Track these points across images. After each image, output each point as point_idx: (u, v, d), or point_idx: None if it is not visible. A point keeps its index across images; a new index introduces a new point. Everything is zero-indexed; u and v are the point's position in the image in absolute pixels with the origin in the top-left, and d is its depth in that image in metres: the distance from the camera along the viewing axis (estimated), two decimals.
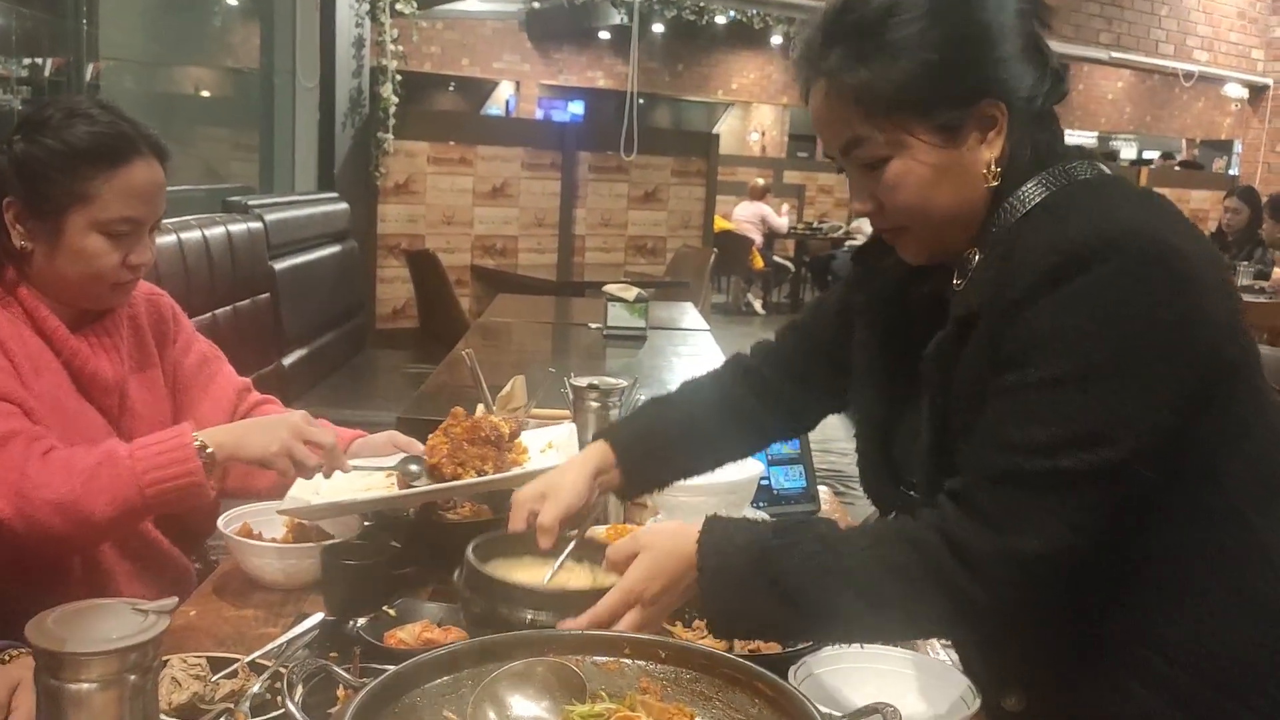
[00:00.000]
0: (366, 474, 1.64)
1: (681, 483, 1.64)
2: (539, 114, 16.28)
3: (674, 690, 1.00)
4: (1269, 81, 11.48)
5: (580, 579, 1.30)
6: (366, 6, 6.21)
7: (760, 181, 12.35)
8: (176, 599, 0.93)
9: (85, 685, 0.84)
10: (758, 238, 11.59)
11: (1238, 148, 11.98)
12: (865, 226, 10.82)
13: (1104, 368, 1.03)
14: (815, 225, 13.36)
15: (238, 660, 1.25)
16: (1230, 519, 1.12)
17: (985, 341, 1.10)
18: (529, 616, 1.18)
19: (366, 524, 1.66)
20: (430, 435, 1.62)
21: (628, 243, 8.02)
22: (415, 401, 2.93)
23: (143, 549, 1.66)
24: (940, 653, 1.36)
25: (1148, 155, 16.68)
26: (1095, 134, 18.75)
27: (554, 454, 1.66)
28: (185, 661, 1.20)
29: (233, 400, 1.84)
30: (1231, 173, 13.46)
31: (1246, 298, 5.51)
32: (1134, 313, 1.03)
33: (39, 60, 3.88)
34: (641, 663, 1.02)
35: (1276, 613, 1.12)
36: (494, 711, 0.96)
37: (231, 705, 1.16)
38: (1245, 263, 6.55)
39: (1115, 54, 10.41)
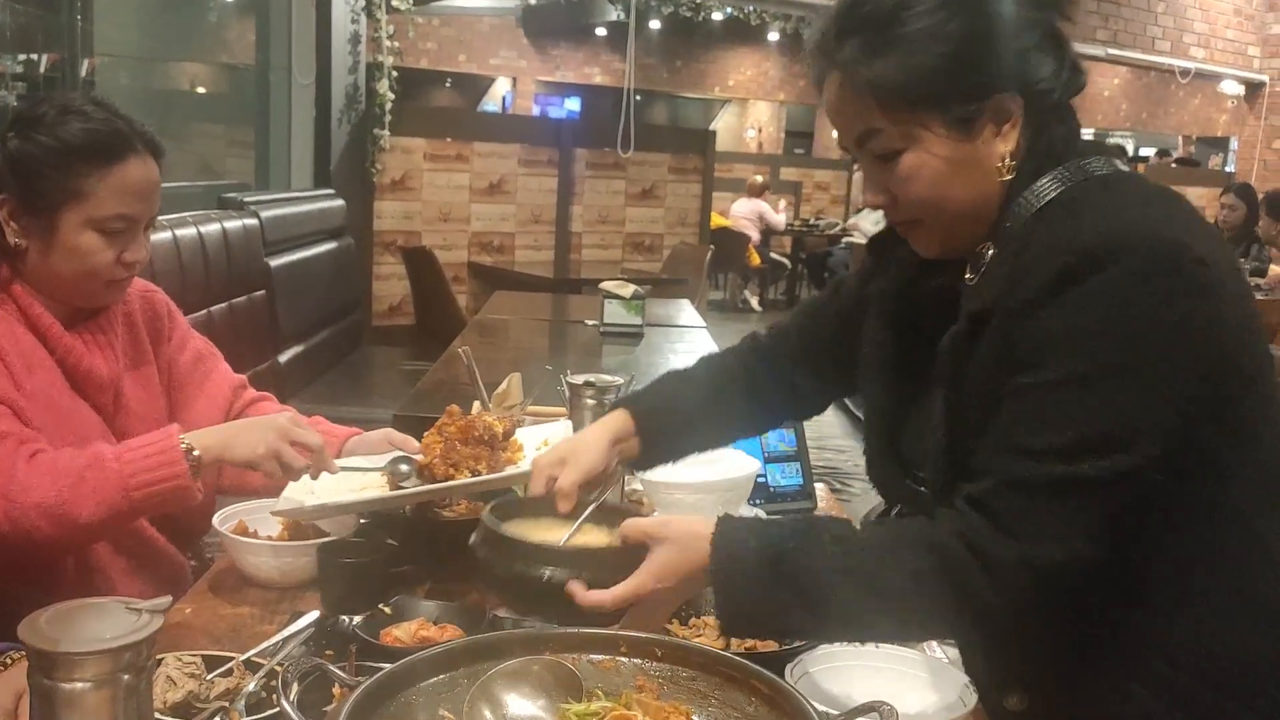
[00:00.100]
0: (362, 474, 1.64)
1: (679, 480, 1.64)
2: (536, 111, 16.26)
3: (670, 689, 1.00)
4: (1265, 78, 11.49)
5: (597, 543, 1.28)
6: (362, 2, 6.19)
7: (759, 179, 12.35)
8: (170, 598, 0.93)
9: (79, 685, 0.83)
10: (755, 234, 11.59)
11: (1234, 144, 12.00)
12: (862, 223, 10.82)
13: (1117, 370, 1.02)
14: (812, 222, 13.37)
15: (233, 659, 1.25)
16: (1235, 522, 1.11)
17: (999, 339, 1.09)
18: (546, 573, 1.17)
19: (362, 522, 1.66)
20: (425, 434, 1.61)
21: (625, 240, 8.01)
22: (411, 399, 2.93)
23: (138, 547, 1.66)
24: (938, 651, 1.36)
25: (1144, 152, 16.68)
26: (1091, 131, 18.74)
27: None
28: (180, 660, 1.19)
29: (228, 397, 1.84)
30: (1228, 170, 13.47)
31: None
32: (1147, 315, 1.02)
33: (34, 56, 3.86)
34: (638, 661, 1.02)
35: (1278, 615, 1.12)
36: (490, 710, 0.96)
37: (227, 704, 1.15)
38: (1242, 260, 6.56)
39: (1112, 51, 10.41)
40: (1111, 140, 19.23)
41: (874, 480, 1.35)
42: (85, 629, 0.85)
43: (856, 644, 1.29)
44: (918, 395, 1.25)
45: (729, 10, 10.23)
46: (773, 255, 12.16)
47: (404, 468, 1.58)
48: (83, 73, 3.94)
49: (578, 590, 1.14)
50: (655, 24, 14.74)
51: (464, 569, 1.60)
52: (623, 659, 1.03)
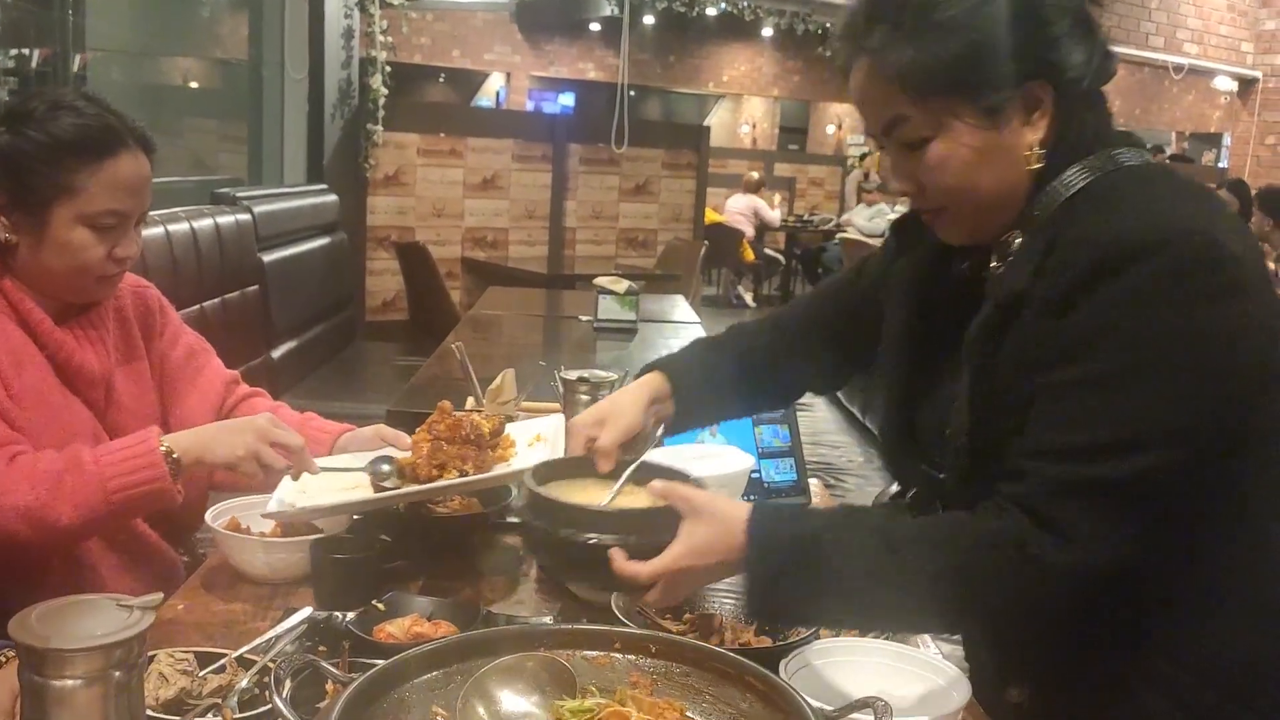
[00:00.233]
0: (355, 474, 1.63)
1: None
2: (529, 106, 16.23)
3: (664, 685, 1.00)
4: (1258, 74, 11.50)
5: (639, 504, 1.26)
6: None
7: (755, 175, 12.35)
8: (161, 595, 0.92)
9: (69, 682, 0.83)
10: (749, 230, 11.59)
11: (1227, 140, 12.01)
12: (856, 219, 10.81)
13: (1158, 367, 1.02)
14: (806, 218, 13.37)
15: (225, 655, 1.24)
16: (1247, 525, 1.12)
17: (1030, 330, 1.09)
18: (589, 538, 1.15)
19: (355, 518, 1.65)
20: (416, 432, 1.61)
21: (618, 235, 8.01)
22: (405, 394, 2.93)
23: (130, 543, 1.65)
24: (932, 646, 1.36)
25: None
26: None
27: (542, 447, 1.65)
28: (172, 656, 1.19)
29: (220, 393, 1.83)
30: (1221, 165, 13.50)
31: None
32: (1184, 313, 1.02)
33: (25, 51, 3.85)
34: (632, 657, 1.02)
35: None
36: (483, 706, 0.96)
37: (219, 701, 1.15)
38: None
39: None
40: None
41: (888, 462, 1.36)
42: (76, 626, 0.85)
43: (847, 638, 1.30)
44: (936, 379, 1.25)
45: (723, 5, 10.21)
46: (767, 251, 12.16)
47: (385, 467, 1.57)
48: (75, 68, 3.92)
49: (617, 557, 1.12)
50: (649, 19, 14.72)
51: (457, 565, 1.61)
52: (617, 655, 1.02)
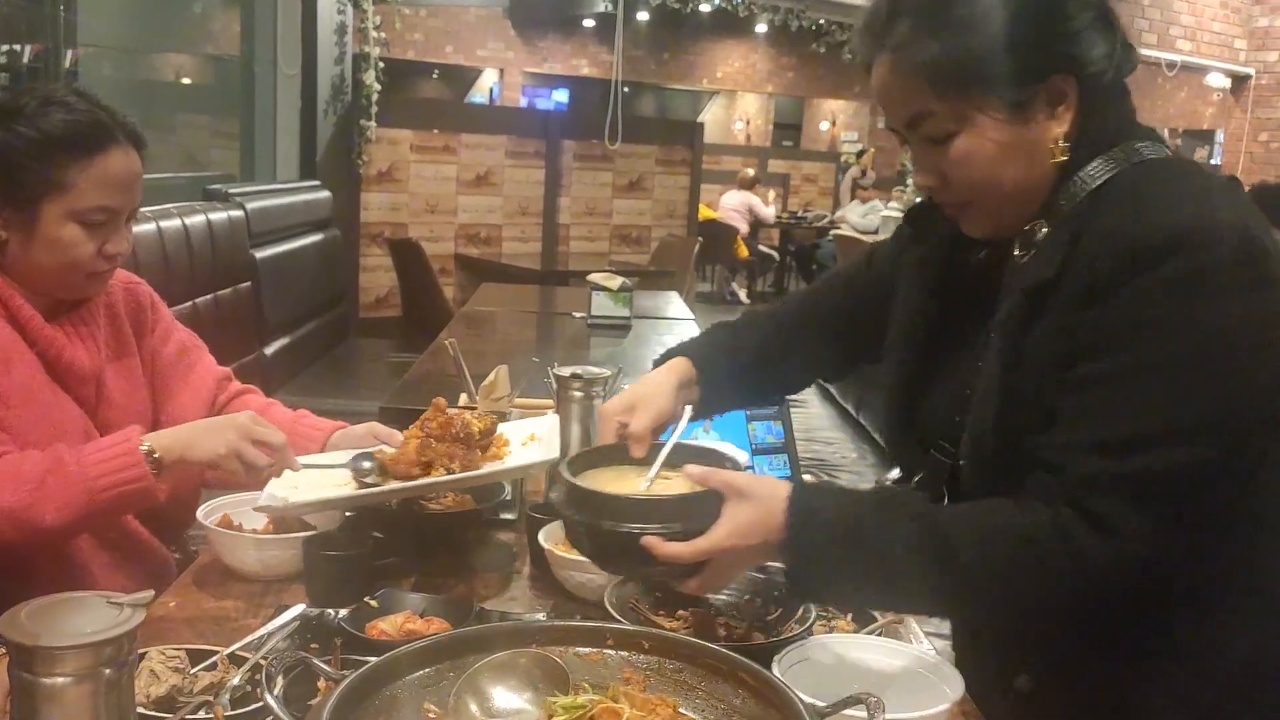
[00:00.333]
0: (345, 469, 1.63)
1: None
2: (523, 102, 16.20)
3: (657, 681, 1.00)
4: (1251, 71, 11.53)
5: (677, 489, 1.24)
6: None
7: (750, 172, 12.35)
8: (152, 592, 0.92)
9: (59, 679, 0.82)
10: (743, 227, 11.59)
11: (1220, 137, 12.04)
12: (850, 216, 10.82)
13: (1196, 360, 1.03)
14: (800, 214, 13.38)
15: (217, 652, 1.24)
16: (1263, 523, 1.12)
17: (1062, 322, 1.09)
18: (627, 527, 1.12)
19: (348, 515, 1.65)
20: (409, 429, 1.61)
21: (612, 232, 8.00)
22: (398, 391, 2.92)
23: (121, 540, 1.65)
24: (925, 642, 1.36)
25: None
26: None
27: (536, 446, 1.65)
28: (164, 654, 1.18)
29: (212, 390, 1.83)
30: (1214, 162, 13.51)
31: None
32: (1220, 306, 1.02)
33: (17, 47, 3.83)
34: (625, 653, 1.02)
35: None
36: (476, 703, 0.95)
37: (211, 698, 1.14)
38: None
39: None
40: None
41: (890, 447, 1.36)
42: (66, 623, 0.84)
43: (841, 635, 1.30)
44: (946, 367, 1.26)
45: (717, 2, 10.21)
46: (761, 247, 12.16)
47: (366, 464, 1.57)
48: (66, 64, 3.91)
49: (656, 544, 1.11)
50: (643, 15, 14.70)
51: (450, 562, 1.61)
52: (610, 651, 1.02)
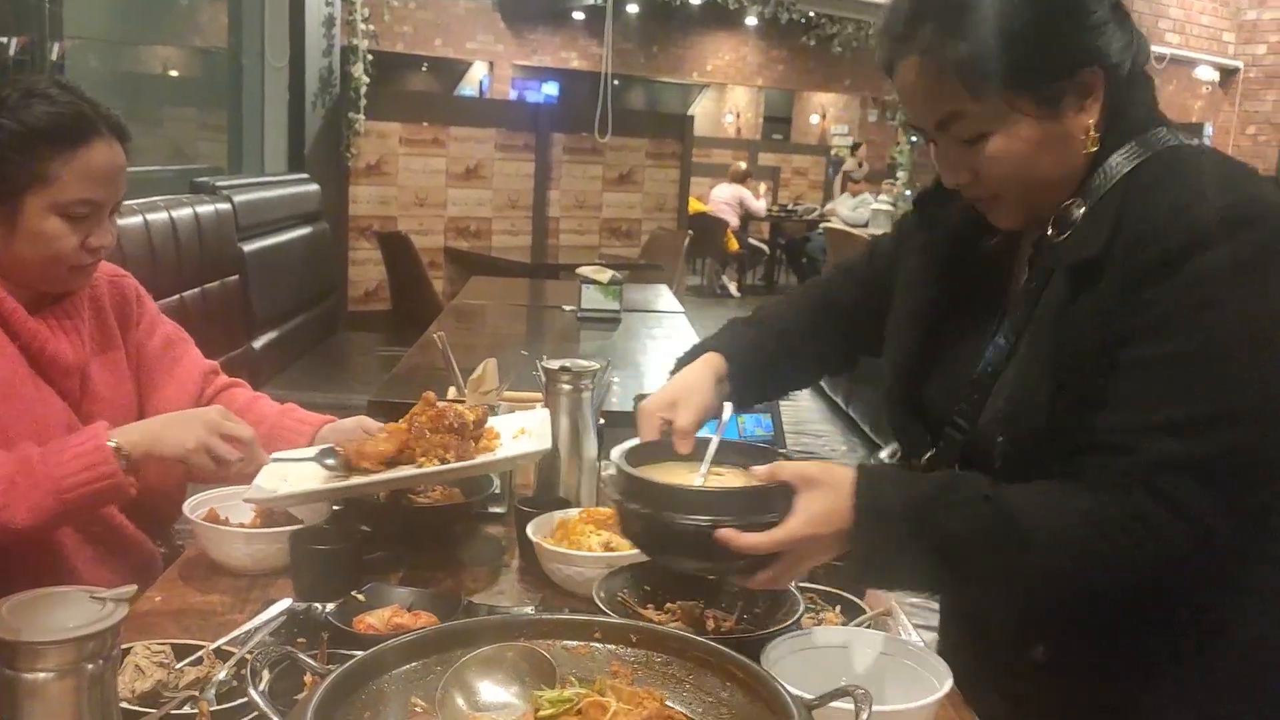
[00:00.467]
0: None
1: None
2: (513, 95, 16.16)
3: (645, 674, 0.99)
4: (1240, 64, 11.56)
5: (731, 484, 1.24)
6: None
7: (742, 165, 12.34)
8: (135, 586, 0.91)
9: (41, 675, 0.82)
10: (734, 220, 11.59)
11: (1208, 130, 12.06)
12: (840, 209, 10.80)
13: (1259, 341, 1.04)
14: (790, 207, 13.37)
15: (203, 647, 1.23)
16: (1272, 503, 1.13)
17: (1113, 300, 1.09)
18: (694, 519, 1.11)
19: (335, 508, 1.64)
20: (389, 424, 1.60)
21: (602, 225, 7.99)
22: (387, 384, 2.92)
23: (107, 535, 1.64)
24: (913, 635, 1.36)
25: None
26: None
27: (526, 439, 1.64)
28: (149, 649, 1.17)
29: (198, 383, 1.82)
30: None
31: None
32: (1278, 286, 1.05)
33: (3, 39, 3.81)
34: (612, 647, 1.01)
35: None
36: (462, 697, 0.95)
37: (196, 693, 1.14)
38: None
39: None
40: None
41: (895, 427, 1.37)
42: (48, 618, 0.84)
43: (829, 627, 1.29)
44: (953, 347, 1.28)
45: None
46: (751, 241, 12.16)
47: (330, 461, 1.56)
48: (53, 56, 3.88)
49: (733, 535, 1.10)
50: (633, 8, 14.69)
51: (439, 555, 1.60)
52: (597, 645, 1.02)
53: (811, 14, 10.30)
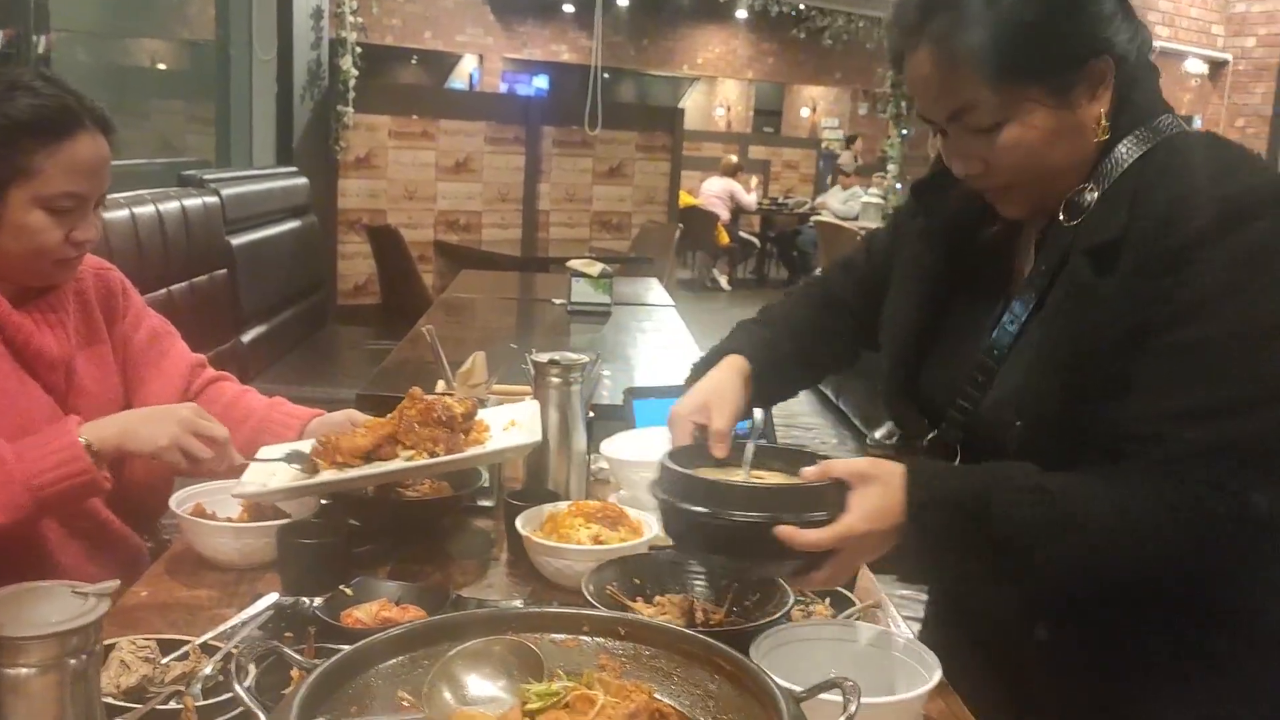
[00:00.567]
0: None
1: (642, 459, 1.63)
2: (503, 88, 16.13)
3: (633, 667, 0.99)
4: (1228, 57, 11.59)
5: (780, 481, 1.23)
6: None
7: (733, 158, 12.34)
8: (118, 581, 0.91)
9: (23, 670, 0.82)
10: (725, 214, 11.58)
11: (1198, 123, 12.10)
12: (830, 202, 10.81)
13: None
14: (780, 201, 13.38)
15: (189, 642, 1.22)
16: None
17: (1134, 284, 1.09)
18: (767, 518, 1.11)
19: (323, 503, 1.64)
20: (369, 419, 1.60)
21: (592, 218, 7.98)
22: (376, 378, 2.91)
23: (93, 529, 1.63)
24: (902, 626, 1.36)
25: None
26: None
27: (516, 432, 1.64)
28: (134, 644, 1.17)
29: (185, 377, 1.81)
30: None
31: None
32: None
33: None
34: (601, 640, 1.01)
35: None
36: (450, 691, 0.94)
37: (182, 688, 1.13)
38: None
39: None
40: None
41: (892, 412, 1.38)
42: (30, 613, 0.83)
43: (818, 620, 1.29)
44: (955, 334, 1.29)
45: None
46: (742, 234, 12.16)
47: (296, 466, 1.55)
48: (40, 49, 3.86)
49: (793, 532, 1.10)
50: (623, 1, 14.66)
51: (427, 549, 1.60)
52: (585, 638, 1.01)
53: (802, 6, 10.31)
